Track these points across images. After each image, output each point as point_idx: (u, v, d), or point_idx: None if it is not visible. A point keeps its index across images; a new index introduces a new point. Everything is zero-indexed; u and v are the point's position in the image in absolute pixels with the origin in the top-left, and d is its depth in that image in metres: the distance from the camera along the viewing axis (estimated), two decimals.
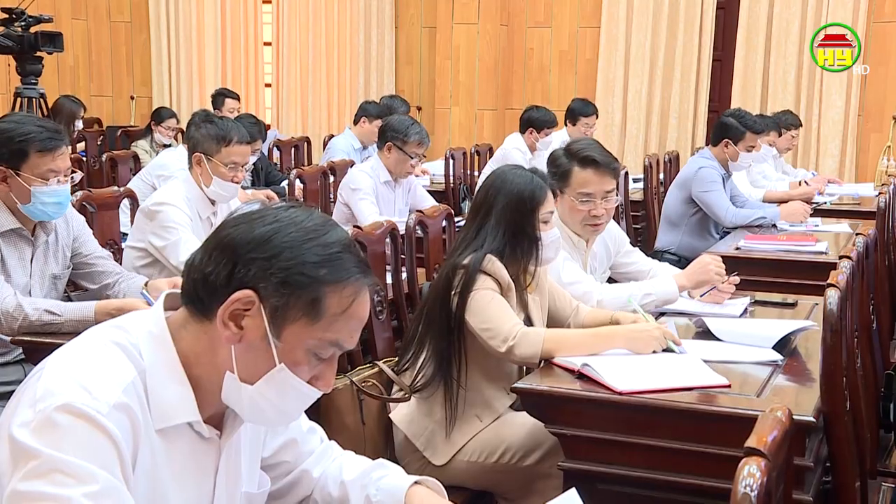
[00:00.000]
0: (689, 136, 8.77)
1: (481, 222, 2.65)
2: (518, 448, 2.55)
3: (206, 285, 1.36)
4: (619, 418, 2.23)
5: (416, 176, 5.40)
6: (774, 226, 4.91)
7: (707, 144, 5.40)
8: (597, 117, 7.20)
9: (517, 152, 6.42)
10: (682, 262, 4.72)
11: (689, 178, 5.02)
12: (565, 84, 9.12)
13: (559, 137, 6.89)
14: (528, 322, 2.68)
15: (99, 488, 1.23)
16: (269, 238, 1.34)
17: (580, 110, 7.00)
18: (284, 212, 1.38)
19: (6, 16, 7.07)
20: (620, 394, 2.21)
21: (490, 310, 2.52)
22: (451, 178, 6.63)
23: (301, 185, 5.34)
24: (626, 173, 5.84)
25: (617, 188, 3.24)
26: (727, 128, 5.02)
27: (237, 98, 7.66)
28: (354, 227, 3.50)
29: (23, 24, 7.05)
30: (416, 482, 1.60)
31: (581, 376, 2.33)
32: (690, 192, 4.99)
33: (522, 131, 6.67)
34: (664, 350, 2.49)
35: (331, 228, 1.39)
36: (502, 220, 2.63)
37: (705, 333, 2.74)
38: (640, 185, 6.25)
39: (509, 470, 2.57)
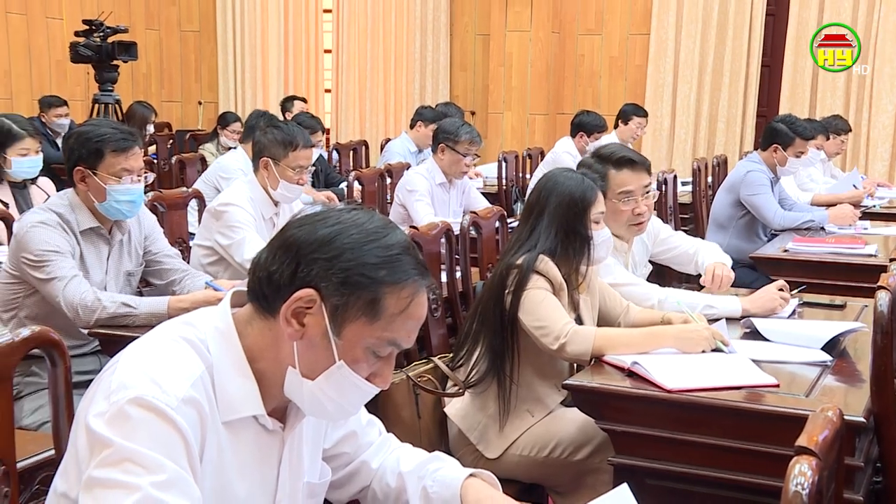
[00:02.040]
0: (738, 141, 8.64)
1: (534, 223, 2.64)
2: (569, 443, 2.53)
3: (270, 283, 1.37)
4: (669, 415, 2.20)
5: (470, 178, 5.40)
6: (823, 228, 4.81)
7: (755, 149, 5.31)
8: (647, 121, 7.18)
9: (567, 156, 6.38)
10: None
11: (738, 181, 4.93)
12: (615, 89, 9.06)
13: (609, 141, 6.84)
14: (579, 321, 2.65)
15: (166, 478, 1.24)
16: (332, 239, 1.34)
17: (633, 111, 7.03)
18: (346, 214, 1.38)
19: (87, 27, 7.22)
20: (670, 392, 2.18)
21: (543, 308, 2.50)
22: (504, 180, 6.61)
23: (359, 187, 5.38)
24: (675, 176, 5.78)
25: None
26: (777, 133, 4.93)
27: (304, 101, 7.83)
28: (410, 227, 3.50)
29: (101, 34, 7.21)
30: (471, 475, 1.59)
31: (631, 374, 2.31)
32: (738, 195, 4.91)
33: (573, 135, 6.63)
34: (713, 350, 2.45)
35: (391, 231, 1.38)
36: (555, 220, 2.62)
37: (754, 334, 2.69)
38: (689, 188, 6.19)
39: (560, 464, 2.55)
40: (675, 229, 5.26)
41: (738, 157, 7.63)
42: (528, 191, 6.28)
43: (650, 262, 3.50)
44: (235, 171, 5.16)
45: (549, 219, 2.62)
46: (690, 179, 6.16)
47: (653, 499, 2.20)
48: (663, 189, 5.37)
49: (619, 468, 2.25)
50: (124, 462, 1.23)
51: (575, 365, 2.62)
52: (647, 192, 3.09)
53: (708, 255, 3.27)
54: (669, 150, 8.85)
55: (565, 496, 2.59)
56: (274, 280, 1.36)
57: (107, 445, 1.24)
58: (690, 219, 6.01)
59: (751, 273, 4.51)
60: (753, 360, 2.38)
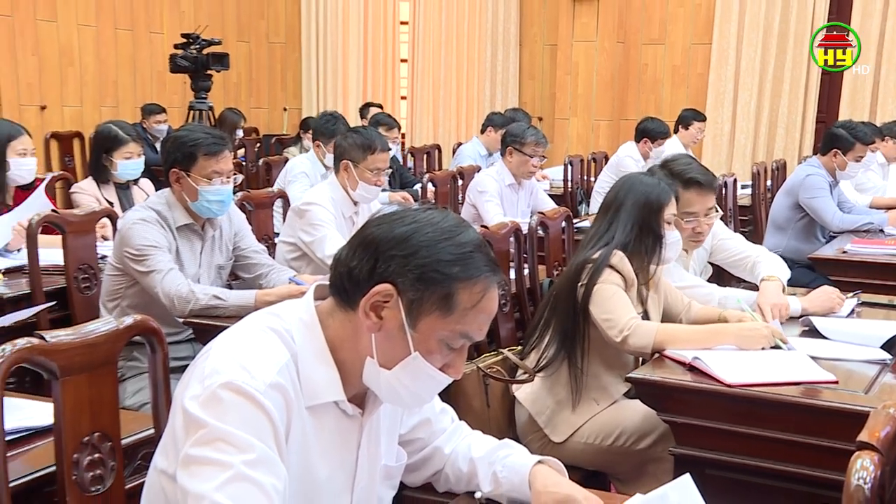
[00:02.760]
0: (797, 146, 8.40)
1: (611, 218, 2.63)
2: (632, 432, 2.51)
3: (350, 278, 1.37)
4: (728, 409, 2.16)
5: (538, 180, 5.36)
6: (882, 231, 4.66)
7: (814, 154, 5.17)
8: (706, 125, 7.07)
9: (630, 160, 6.30)
10: (786, 264, 4.52)
11: (797, 184, 4.80)
12: (677, 97, 8.89)
13: (671, 146, 6.73)
14: (646, 316, 2.63)
15: (256, 457, 1.26)
16: (408, 237, 1.34)
17: (693, 116, 6.95)
18: (422, 213, 1.38)
19: (185, 40, 7.39)
20: (730, 386, 2.14)
21: (611, 302, 2.48)
22: (570, 182, 6.56)
23: (433, 188, 5.38)
24: (735, 180, 5.66)
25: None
26: (837, 138, 4.78)
27: (381, 107, 7.87)
28: (481, 226, 3.49)
29: (197, 47, 7.36)
30: (539, 461, 1.58)
31: (692, 368, 2.27)
32: (797, 198, 4.78)
33: (637, 140, 6.53)
34: (772, 347, 2.39)
35: (464, 229, 1.38)
36: (631, 217, 2.60)
37: (812, 332, 2.62)
38: (748, 191, 6.07)
39: (623, 452, 2.52)
40: (735, 230, 5.17)
41: (796, 161, 7.43)
42: (593, 193, 6.25)
43: (708, 262, 3.43)
44: (298, 174, 5.15)
45: (626, 215, 2.60)
46: (750, 183, 6.04)
47: (713, 489, 2.15)
48: (723, 192, 5.26)
49: (680, 458, 2.21)
50: (217, 441, 1.25)
51: (640, 358, 2.59)
52: (710, 213, 2.94)
53: (766, 269, 3.01)
54: (730, 154, 8.66)
55: (627, 484, 2.56)
56: (354, 275, 1.37)
57: (201, 426, 1.26)
58: (749, 220, 5.89)
59: (809, 273, 4.39)
60: (812, 358, 2.32)
